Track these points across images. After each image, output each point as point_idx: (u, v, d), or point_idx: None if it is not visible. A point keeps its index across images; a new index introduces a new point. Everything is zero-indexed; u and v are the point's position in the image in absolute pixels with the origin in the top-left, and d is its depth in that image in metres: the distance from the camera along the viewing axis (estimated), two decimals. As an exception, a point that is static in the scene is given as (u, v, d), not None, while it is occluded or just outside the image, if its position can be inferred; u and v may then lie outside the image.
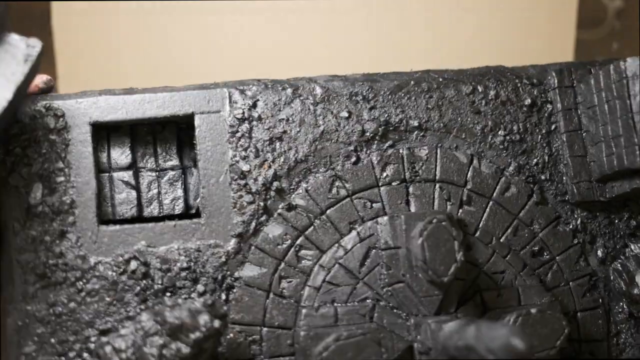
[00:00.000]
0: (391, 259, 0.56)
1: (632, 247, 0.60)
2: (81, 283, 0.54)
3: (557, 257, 0.60)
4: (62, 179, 0.55)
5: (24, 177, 0.55)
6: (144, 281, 0.55)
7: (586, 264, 0.61)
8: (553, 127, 0.62)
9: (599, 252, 0.61)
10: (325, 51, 1.04)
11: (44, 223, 0.54)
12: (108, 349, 0.51)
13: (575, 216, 0.61)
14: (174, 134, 0.60)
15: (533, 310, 0.54)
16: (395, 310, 0.56)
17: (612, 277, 0.60)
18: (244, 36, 1.04)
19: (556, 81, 0.61)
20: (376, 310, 0.56)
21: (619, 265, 0.60)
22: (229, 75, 1.03)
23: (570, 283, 0.60)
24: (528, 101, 0.62)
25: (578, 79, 0.61)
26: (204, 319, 0.51)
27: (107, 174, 0.58)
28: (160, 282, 0.55)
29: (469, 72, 0.62)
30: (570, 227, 0.61)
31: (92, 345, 0.53)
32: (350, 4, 1.04)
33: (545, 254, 0.60)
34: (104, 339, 0.51)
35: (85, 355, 0.53)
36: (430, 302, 0.55)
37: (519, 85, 0.62)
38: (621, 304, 0.60)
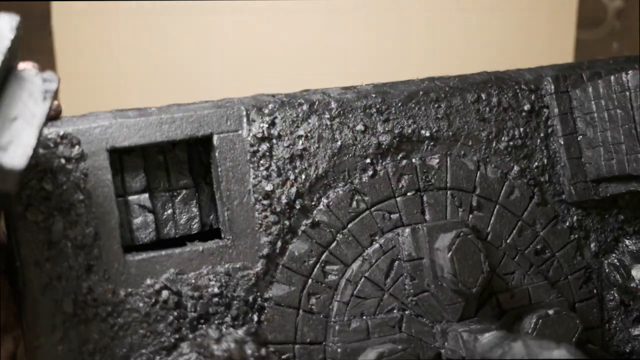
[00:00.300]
0: (415, 269, 0.58)
1: (627, 242, 0.65)
2: (112, 318, 0.53)
3: (557, 254, 0.64)
4: (82, 210, 0.53)
5: (42, 211, 0.52)
6: (177, 311, 0.54)
7: (581, 258, 0.65)
8: (550, 130, 0.65)
9: (592, 246, 0.65)
10: (323, 52, 1.03)
11: (68, 258, 0.52)
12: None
13: (571, 214, 0.65)
14: (184, 151, 0.59)
15: (550, 312, 0.58)
16: (420, 319, 0.58)
17: (607, 271, 0.65)
18: (245, 36, 1.00)
19: (552, 87, 0.64)
20: (404, 320, 0.57)
21: (615, 260, 0.64)
22: (228, 74, 0.99)
23: (569, 277, 0.65)
24: (527, 107, 0.64)
25: (572, 84, 0.64)
26: (250, 348, 0.52)
27: (122, 199, 0.56)
28: (193, 309, 0.54)
29: (470, 79, 0.64)
30: (567, 224, 0.65)
31: None
32: (347, 6, 1.02)
33: (546, 251, 0.64)
34: (146, 375, 0.51)
35: None
36: (454, 309, 0.57)
37: (518, 91, 0.64)
38: (612, 292, 0.65)
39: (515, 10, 1.08)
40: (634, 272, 0.63)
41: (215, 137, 0.56)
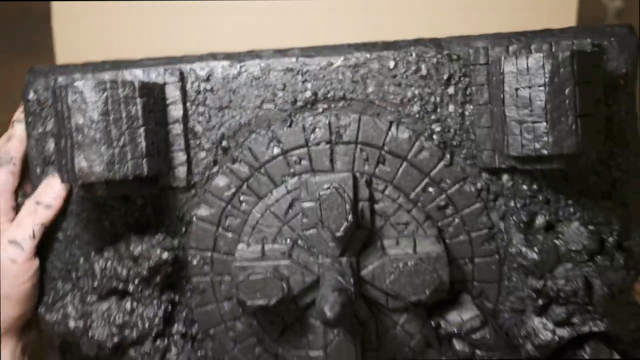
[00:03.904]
0: (307, 210, 0.70)
1: (517, 211, 0.69)
2: (85, 214, 0.74)
3: (461, 212, 0.71)
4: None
5: (40, 134, 0.74)
6: (129, 216, 0.73)
7: (488, 219, 0.71)
8: (469, 99, 0.69)
9: (500, 210, 0.70)
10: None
11: (56, 168, 0.74)
12: (96, 265, 0.72)
13: (481, 178, 0.70)
14: None
15: (410, 263, 0.66)
16: (310, 250, 0.70)
17: (504, 232, 0.70)
18: (245, 36, 1.05)
19: (473, 58, 0.68)
20: (294, 249, 0.71)
21: (502, 225, 0.69)
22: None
23: (471, 234, 0.71)
24: (446, 75, 0.69)
25: (493, 57, 0.67)
26: (155, 252, 0.70)
27: None
28: (138, 217, 0.73)
29: (396, 45, 0.70)
30: (476, 187, 0.70)
31: (91, 258, 0.73)
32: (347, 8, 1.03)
33: (450, 208, 0.71)
34: (93, 257, 0.72)
35: (86, 266, 0.74)
36: (335, 245, 0.69)
37: (440, 59, 0.69)
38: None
39: (515, 10, 1.00)
40: (514, 240, 0.68)
41: (167, 87, 0.72)
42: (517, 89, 0.61)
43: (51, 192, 0.72)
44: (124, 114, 0.64)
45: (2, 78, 1.28)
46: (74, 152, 0.63)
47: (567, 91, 0.60)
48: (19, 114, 0.75)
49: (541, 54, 0.60)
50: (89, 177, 0.63)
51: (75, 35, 1.07)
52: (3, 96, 1.27)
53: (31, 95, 0.73)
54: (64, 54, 0.97)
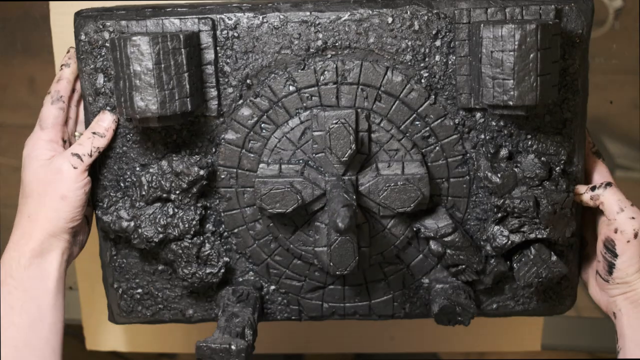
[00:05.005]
0: (317, 137, 0.86)
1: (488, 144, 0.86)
2: (130, 136, 0.89)
3: (441, 142, 0.88)
4: (113, 72, 0.87)
5: (91, 70, 0.87)
6: (168, 138, 0.89)
7: (462, 147, 0.88)
8: (452, 50, 0.84)
9: (472, 141, 0.87)
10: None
11: (104, 98, 0.88)
12: (143, 178, 0.88)
13: (459, 115, 0.87)
14: None
15: (400, 183, 0.84)
16: (318, 169, 0.87)
17: (475, 159, 0.87)
18: None
19: (457, 18, 0.83)
20: (305, 168, 0.87)
21: (474, 154, 0.86)
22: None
23: (448, 159, 0.88)
24: (434, 31, 0.84)
25: (474, 18, 0.82)
26: (194, 169, 0.87)
27: None
28: (175, 139, 0.89)
29: (394, 4, 0.84)
30: (454, 121, 0.87)
31: (136, 172, 0.90)
32: None
33: (432, 138, 0.88)
34: (140, 172, 0.88)
35: (132, 178, 0.90)
36: (340, 166, 0.86)
37: (430, 17, 0.84)
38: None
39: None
40: (482, 167, 0.85)
41: (201, 34, 0.86)
42: (492, 52, 0.76)
43: (103, 125, 0.87)
44: (172, 63, 0.78)
45: (2, 78, 1.30)
46: (132, 93, 0.78)
47: (531, 56, 0.75)
48: (67, 59, 0.90)
49: (513, 25, 0.75)
50: (146, 114, 0.78)
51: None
52: (3, 96, 1.30)
53: (83, 37, 0.86)
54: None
